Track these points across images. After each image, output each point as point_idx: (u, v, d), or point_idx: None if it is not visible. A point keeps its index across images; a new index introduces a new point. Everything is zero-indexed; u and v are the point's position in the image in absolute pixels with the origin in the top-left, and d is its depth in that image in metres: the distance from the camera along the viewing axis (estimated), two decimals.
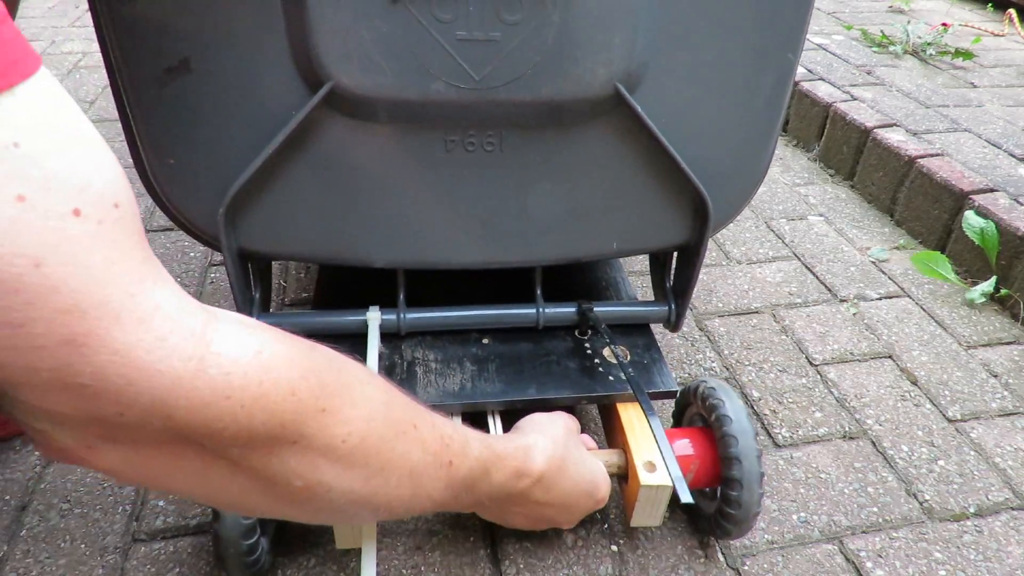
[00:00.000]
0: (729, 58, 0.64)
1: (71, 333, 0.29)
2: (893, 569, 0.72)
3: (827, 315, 1.07)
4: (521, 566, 0.70)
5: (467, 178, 0.67)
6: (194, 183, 0.65)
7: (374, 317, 0.74)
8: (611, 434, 0.76)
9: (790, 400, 0.92)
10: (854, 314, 1.08)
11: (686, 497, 0.63)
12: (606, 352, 0.77)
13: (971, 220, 1.15)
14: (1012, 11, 2.13)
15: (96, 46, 1.92)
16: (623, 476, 0.69)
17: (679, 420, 0.80)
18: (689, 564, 0.71)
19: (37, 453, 0.79)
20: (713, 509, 0.70)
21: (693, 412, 0.76)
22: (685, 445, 0.70)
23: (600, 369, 0.76)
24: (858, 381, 0.95)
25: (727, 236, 1.26)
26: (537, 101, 0.62)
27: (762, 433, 0.87)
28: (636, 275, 1.14)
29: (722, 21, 0.62)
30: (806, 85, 1.61)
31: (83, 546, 0.70)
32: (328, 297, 0.86)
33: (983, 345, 1.03)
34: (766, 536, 0.75)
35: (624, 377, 0.74)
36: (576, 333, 0.81)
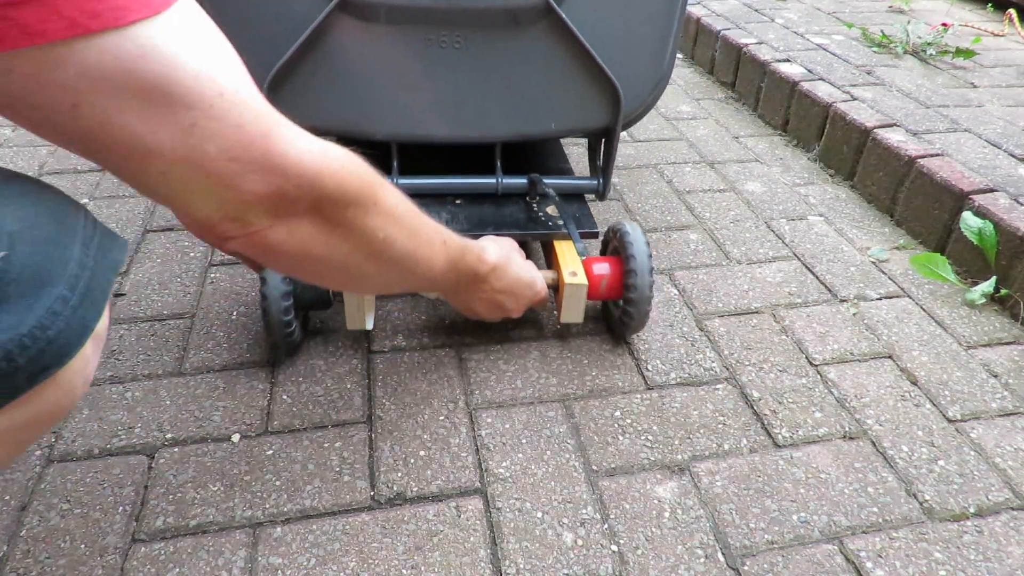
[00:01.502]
0: None
1: (264, 128, 0.44)
2: (893, 569, 0.72)
3: (827, 315, 1.07)
4: (521, 566, 0.70)
5: (442, 69, 0.88)
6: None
7: None
8: (549, 262, 1.02)
9: (790, 400, 0.92)
10: (854, 314, 1.08)
11: (581, 251, 0.94)
12: (549, 209, 1.03)
13: (969, 221, 1.15)
14: (1012, 11, 2.13)
15: None
16: (555, 288, 0.94)
17: (604, 253, 1.04)
18: (689, 564, 0.71)
19: (37, 453, 0.79)
20: (618, 314, 0.96)
21: (612, 246, 1.00)
22: (603, 266, 0.95)
23: (543, 218, 1.02)
24: (858, 381, 0.95)
25: (727, 236, 1.26)
26: (490, 8, 0.85)
27: (762, 433, 0.87)
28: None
29: None
30: (806, 85, 1.61)
31: (83, 546, 0.70)
32: None
33: (983, 345, 1.03)
34: (766, 536, 0.75)
35: (560, 222, 1.00)
36: (527, 199, 1.05)
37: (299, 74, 0.86)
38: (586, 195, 1.08)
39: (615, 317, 0.97)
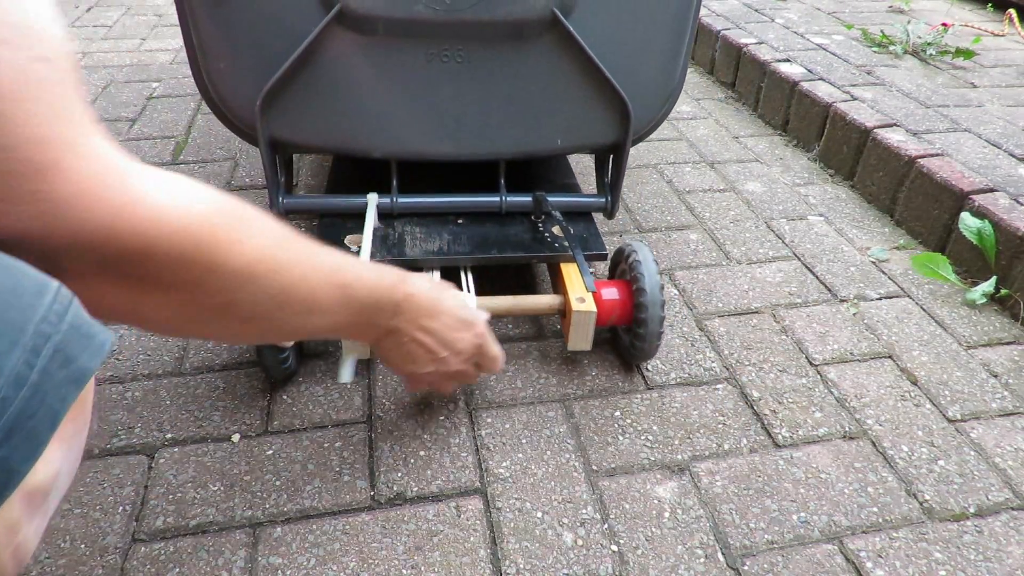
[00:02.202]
0: None
1: (43, 160, 0.34)
2: (893, 569, 0.72)
3: (827, 315, 1.07)
4: (521, 566, 0.70)
5: (443, 84, 0.85)
6: (238, 84, 0.84)
7: (372, 199, 0.95)
8: (555, 285, 0.97)
9: (790, 400, 0.92)
10: (854, 314, 1.08)
11: (591, 287, 0.87)
12: (555, 229, 0.98)
13: (967, 221, 1.15)
14: (1012, 11, 2.13)
15: (95, 46, 1.92)
16: (563, 312, 0.90)
17: (612, 276, 1.00)
18: (689, 564, 0.71)
19: None
20: (628, 341, 0.92)
21: (621, 269, 0.95)
22: (612, 291, 0.91)
23: (548, 239, 0.97)
24: (858, 381, 0.95)
25: (727, 236, 1.26)
26: (494, 21, 0.80)
27: (762, 433, 0.87)
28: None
29: None
30: (806, 85, 1.61)
31: (83, 546, 0.70)
32: (337, 185, 1.07)
33: (983, 345, 1.03)
34: (766, 536, 0.75)
35: (567, 243, 0.94)
36: (532, 218, 1.00)
37: (294, 90, 0.83)
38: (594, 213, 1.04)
39: (624, 343, 0.94)
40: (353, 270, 0.59)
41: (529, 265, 1.07)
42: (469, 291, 0.89)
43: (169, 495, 0.76)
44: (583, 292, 0.88)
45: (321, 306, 0.55)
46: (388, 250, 0.92)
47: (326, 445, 0.82)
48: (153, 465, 0.79)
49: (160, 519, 0.73)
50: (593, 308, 0.86)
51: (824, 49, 1.85)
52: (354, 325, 0.61)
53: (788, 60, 1.75)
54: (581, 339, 0.88)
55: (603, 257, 0.96)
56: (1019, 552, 0.74)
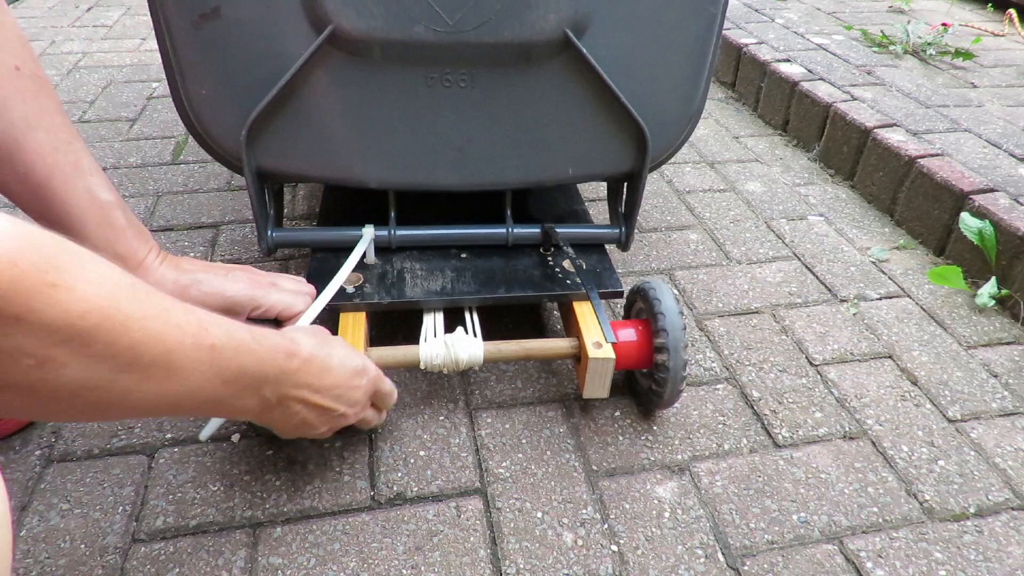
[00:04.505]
0: (659, 11, 0.77)
1: None
2: (893, 569, 0.72)
3: (827, 315, 1.07)
4: (521, 566, 0.70)
5: (445, 110, 0.79)
6: (222, 111, 0.78)
7: (368, 232, 0.88)
8: (568, 327, 0.89)
9: (790, 400, 0.92)
10: (854, 314, 1.08)
11: (611, 338, 0.80)
12: (566, 263, 0.91)
13: (967, 221, 1.15)
14: (1012, 11, 2.13)
15: (95, 46, 1.92)
16: (577, 357, 0.84)
17: (628, 315, 0.94)
18: (689, 564, 0.71)
19: (37, 453, 0.79)
20: (647, 385, 0.84)
21: (638, 308, 0.89)
22: (629, 332, 0.84)
23: (559, 275, 0.89)
24: (858, 381, 0.95)
25: (727, 236, 1.26)
26: (501, 43, 0.74)
27: (762, 433, 0.87)
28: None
29: None
30: (806, 85, 1.61)
31: (83, 546, 0.70)
32: (331, 216, 1.00)
33: (983, 345, 1.03)
34: (766, 536, 0.75)
35: (579, 280, 0.87)
36: (540, 250, 0.93)
37: (283, 117, 0.77)
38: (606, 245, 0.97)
39: (643, 388, 0.87)
40: (222, 328, 0.50)
41: (539, 305, 1.01)
42: (476, 335, 0.84)
43: (169, 495, 0.76)
44: (599, 336, 0.81)
45: (181, 369, 0.45)
46: (387, 291, 0.85)
47: (326, 445, 0.82)
48: (153, 465, 0.79)
49: (160, 519, 0.73)
50: (611, 355, 0.79)
51: (824, 49, 1.85)
52: (232, 396, 0.52)
53: (788, 60, 1.75)
54: (598, 387, 0.81)
55: (619, 295, 0.89)
56: (1019, 552, 0.74)
